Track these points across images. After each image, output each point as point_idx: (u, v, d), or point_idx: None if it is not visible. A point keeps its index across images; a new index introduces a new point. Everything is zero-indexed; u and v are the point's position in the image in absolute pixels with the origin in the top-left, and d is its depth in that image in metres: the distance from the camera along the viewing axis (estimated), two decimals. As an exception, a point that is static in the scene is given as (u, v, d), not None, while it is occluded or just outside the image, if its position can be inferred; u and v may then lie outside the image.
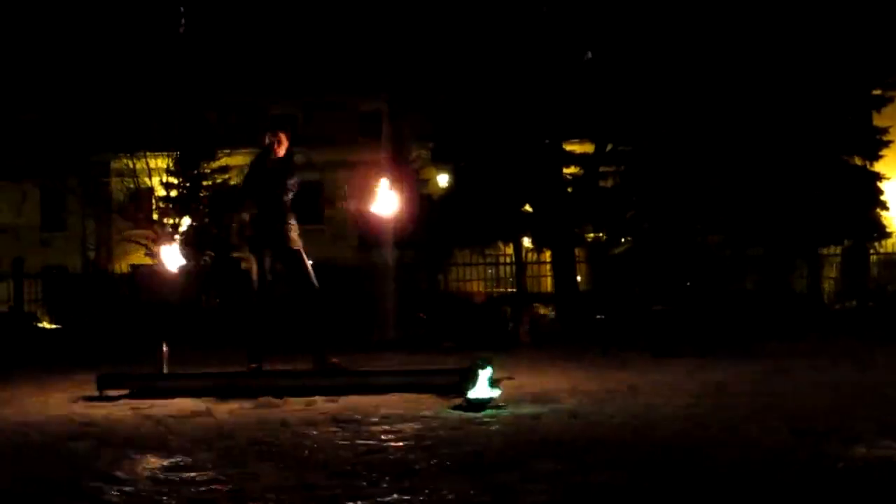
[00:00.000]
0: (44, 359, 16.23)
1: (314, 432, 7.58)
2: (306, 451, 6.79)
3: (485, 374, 8.69)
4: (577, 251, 29.59)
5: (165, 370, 10.65)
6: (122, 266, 31.94)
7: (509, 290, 30.27)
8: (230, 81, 37.80)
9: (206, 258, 32.95)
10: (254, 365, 10.56)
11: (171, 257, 11.68)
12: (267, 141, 10.67)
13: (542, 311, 25.38)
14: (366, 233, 28.58)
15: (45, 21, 38.97)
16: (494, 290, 29.59)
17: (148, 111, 36.12)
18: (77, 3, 37.52)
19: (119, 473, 6.15)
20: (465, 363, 9.22)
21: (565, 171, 30.03)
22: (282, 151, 10.68)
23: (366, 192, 11.29)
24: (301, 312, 10.44)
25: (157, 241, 32.82)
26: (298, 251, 10.46)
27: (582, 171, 30.00)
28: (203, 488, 5.73)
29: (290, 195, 10.58)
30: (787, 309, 24.04)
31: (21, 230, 40.81)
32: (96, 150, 37.53)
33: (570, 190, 29.74)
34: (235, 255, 30.60)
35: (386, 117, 24.54)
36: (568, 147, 30.49)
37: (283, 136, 10.72)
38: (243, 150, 32.53)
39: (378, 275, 20.07)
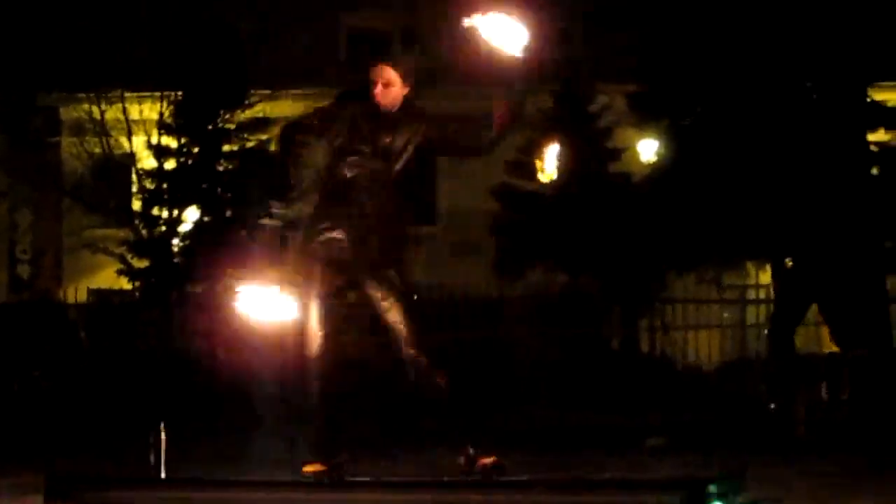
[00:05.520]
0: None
1: None
2: None
3: (730, 495, 6.64)
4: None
5: (164, 473, 7.75)
6: (77, 291, 21.30)
7: (763, 348, 20.46)
8: None
9: (228, 278, 24.68)
10: (322, 466, 7.24)
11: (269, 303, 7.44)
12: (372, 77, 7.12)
13: (824, 388, 17.13)
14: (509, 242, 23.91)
15: None
16: (738, 348, 21.18)
17: (126, 20, 25.03)
18: None
19: None
20: (691, 474, 7.39)
21: (870, 137, 18.78)
22: (390, 98, 7.20)
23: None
24: (416, 377, 7.50)
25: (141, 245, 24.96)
26: (412, 290, 7.63)
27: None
28: None
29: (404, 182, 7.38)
30: None
31: None
32: (36, 88, 26.73)
33: (875, 171, 18.95)
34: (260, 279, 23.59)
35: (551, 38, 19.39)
36: (879, 96, 19.18)
37: (390, 70, 7.19)
38: (298, 91, 23.85)
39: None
